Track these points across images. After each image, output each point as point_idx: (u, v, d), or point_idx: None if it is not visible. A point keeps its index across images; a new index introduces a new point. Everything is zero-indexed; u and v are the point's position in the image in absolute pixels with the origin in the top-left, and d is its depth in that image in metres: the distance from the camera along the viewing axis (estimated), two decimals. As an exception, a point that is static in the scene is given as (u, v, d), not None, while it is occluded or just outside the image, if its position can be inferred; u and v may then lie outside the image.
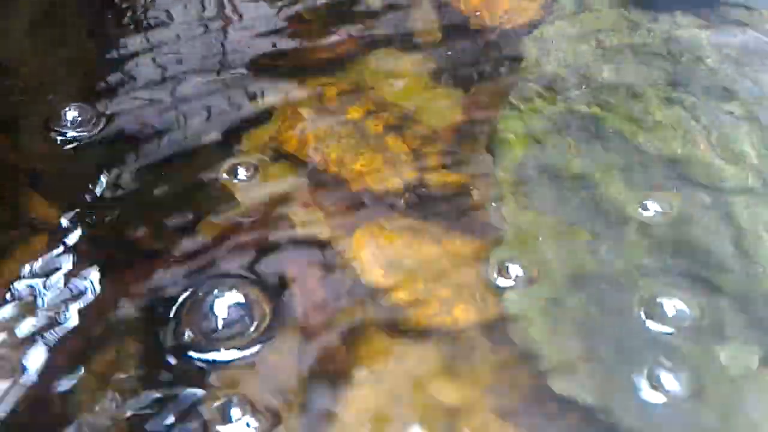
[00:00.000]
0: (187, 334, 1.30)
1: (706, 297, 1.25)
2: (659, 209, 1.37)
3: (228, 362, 1.27)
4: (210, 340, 1.30)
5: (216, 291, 1.35)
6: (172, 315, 1.33)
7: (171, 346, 1.29)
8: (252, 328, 1.31)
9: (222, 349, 1.28)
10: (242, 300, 1.34)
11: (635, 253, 1.33)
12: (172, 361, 1.29)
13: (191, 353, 1.28)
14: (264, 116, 1.69)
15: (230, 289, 1.36)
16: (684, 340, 1.20)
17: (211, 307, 1.33)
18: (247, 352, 1.28)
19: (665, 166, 1.43)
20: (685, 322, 1.22)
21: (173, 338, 1.30)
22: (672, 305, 1.23)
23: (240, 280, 1.39)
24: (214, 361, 1.27)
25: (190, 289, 1.36)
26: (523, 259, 1.34)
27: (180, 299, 1.35)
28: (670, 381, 1.15)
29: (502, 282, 1.32)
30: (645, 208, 1.37)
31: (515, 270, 1.32)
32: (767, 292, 1.24)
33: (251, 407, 1.21)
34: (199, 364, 1.27)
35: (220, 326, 1.31)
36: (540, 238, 1.38)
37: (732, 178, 1.38)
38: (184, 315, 1.32)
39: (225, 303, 1.34)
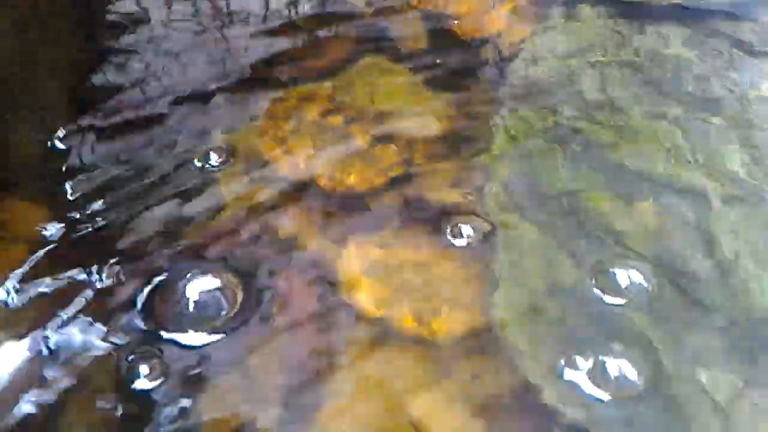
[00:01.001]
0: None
1: (685, 309, 1.25)
2: (642, 222, 1.37)
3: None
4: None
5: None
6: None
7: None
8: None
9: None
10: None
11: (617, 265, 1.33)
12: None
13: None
14: (252, 125, 1.70)
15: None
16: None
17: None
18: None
19: (650, 181, 1.43)
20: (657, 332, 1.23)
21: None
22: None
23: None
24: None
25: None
26: (510, 271, 1.35)
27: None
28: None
29: (486, 293, 1.32)
30: (627, 222, 1.37)
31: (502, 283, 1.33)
32: (746, 307, 1.24)
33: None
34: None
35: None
36: (525, 252, 1.38)
37: (716, 192, 1.38)
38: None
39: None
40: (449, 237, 1.43)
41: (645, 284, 1.30)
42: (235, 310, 1.37)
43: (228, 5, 1.98)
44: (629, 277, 1.31)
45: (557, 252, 1.37)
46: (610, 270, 1.32)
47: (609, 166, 1.47)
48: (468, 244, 1.41)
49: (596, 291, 1.30)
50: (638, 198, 1.41)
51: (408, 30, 1.88)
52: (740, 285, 1.26)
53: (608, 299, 1.29)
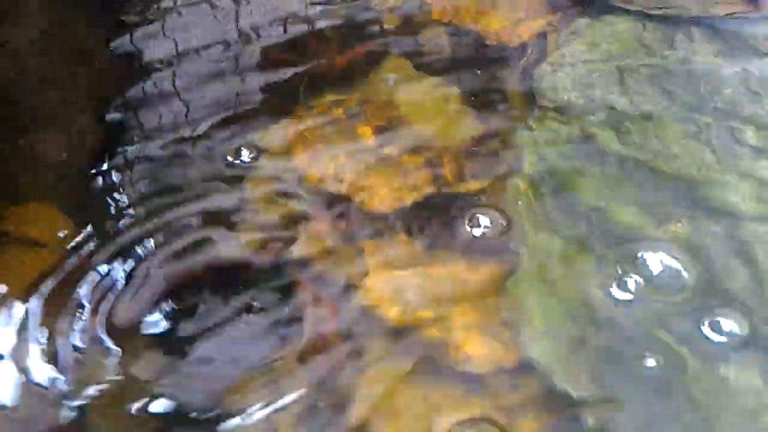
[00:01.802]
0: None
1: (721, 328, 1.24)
2: (673, 238, 1.36)
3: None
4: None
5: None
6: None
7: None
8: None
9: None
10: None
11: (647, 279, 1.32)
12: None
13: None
14: (275, 134, 1.70)
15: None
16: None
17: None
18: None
19: (681, 195, 1.42)
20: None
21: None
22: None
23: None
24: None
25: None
26: (536, 292, 1.34)
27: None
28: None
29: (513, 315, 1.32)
30: (658, 237, 1.36)
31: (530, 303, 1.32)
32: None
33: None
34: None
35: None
36: (553, 267, 1.37)
37: (749, 209, 1.37)
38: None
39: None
40: (477, 252, 1.42)
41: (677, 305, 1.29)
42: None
43: (252, 12, 1.97)
44: (662, 293, 1.31)
45: (588, 268, 1.36)
46: (643, 286, 1.32)
47: (638, 176, 1.46)
48: (496, 259, 1.41)
49: (628, 309, 1.30)
50: (669, 211, 1.39)
51: (434, 39, 1.87)
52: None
53: (640, 316, 1.29)
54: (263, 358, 1.33)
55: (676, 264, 1.33)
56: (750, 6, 1.63)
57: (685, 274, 1.32)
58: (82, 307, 1.42)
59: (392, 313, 1.36)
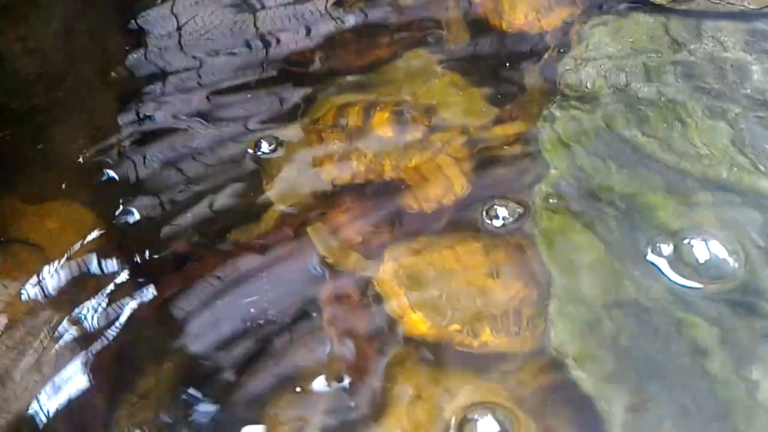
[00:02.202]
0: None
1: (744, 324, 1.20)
2: (702, 227, 1.32)
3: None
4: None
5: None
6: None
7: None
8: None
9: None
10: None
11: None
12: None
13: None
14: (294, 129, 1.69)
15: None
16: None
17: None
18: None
19: (709, 184, 1.38)
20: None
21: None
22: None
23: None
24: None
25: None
26: (561, 283, 1.31)
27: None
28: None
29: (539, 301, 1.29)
30: (686, 234, 1.32)
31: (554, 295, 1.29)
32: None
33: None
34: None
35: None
36: (578, 261, 1.34)
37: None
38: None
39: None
40: (499, 241, 1.40)
41: (710, 295, 1.25)
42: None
43: (271, 11, 1.98)
44: (691, 285, 1.26)
45: (612, 258, 1.33)
46: (670, 276, 1.28)
47: (665, 168, 1.42)
48: (518, 247, 1.38)
49: (656, 299, 1.26)
50: (698, 202, 1.36)
51: (454, 27, 1.86)
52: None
53: (669, 307, 1.24)
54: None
55: (702, 255, 1.29)
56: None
57: (722, 262, 1.28)
58: (102, 303, 1.41)
59: (412, 315, 1.33)
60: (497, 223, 1.42)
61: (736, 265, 1.26)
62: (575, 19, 1.77)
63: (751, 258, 1.27)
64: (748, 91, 1.47)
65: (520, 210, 1.43)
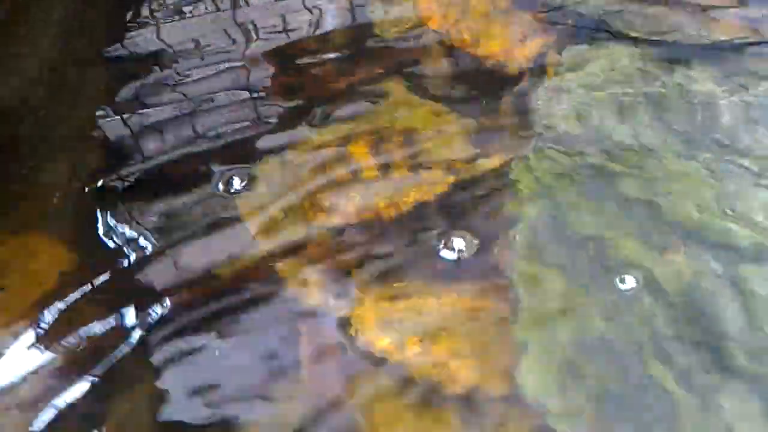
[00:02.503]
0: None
1: (715, 369, 1.23)
2: (670, 273, 1.36)
3: None
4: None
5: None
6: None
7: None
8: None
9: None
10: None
11: (644, 318, 1.32)
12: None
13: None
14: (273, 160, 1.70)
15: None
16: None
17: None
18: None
19: (679, 228, 1.41)
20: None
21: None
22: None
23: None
24: None
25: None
26: (535, 330, 1.34)
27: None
28: None
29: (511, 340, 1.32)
30: (656, 271, 1.36)
31: (527, 335, 1.32)
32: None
33: None
34: None
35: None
36: (552, 302, 1.37)
37: (746, 244, 1.36)
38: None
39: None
40: (469, 280, 1.42)
41: (674, 341, 1.29)
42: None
43: (254, 30, 1.98)
44: (656, 331, 1.30)
45: (583, 300, 1.36)
46: (636, 324, 1.31)
47: (637, 210, 1.45)
48: (490, 286, 1.41)
49: (623, 344, 1.30)
50: (668, 246, 1.39)
51: (433, 59, 1.87)
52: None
53: (633, 352, 1.28)
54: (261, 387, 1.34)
55: (673, 298, 1.33)
56: (750, 31, 1.62)
57: (681, 308, 1.32)
58: (83, 338, 1.43)
59: (384, 344, 1.36)
60: (451, 255, 1.45)
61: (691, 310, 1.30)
62: (550, 48, 1.78)
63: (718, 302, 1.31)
64: (717, 134, 1.50)
65: (477, 243, 1.46)
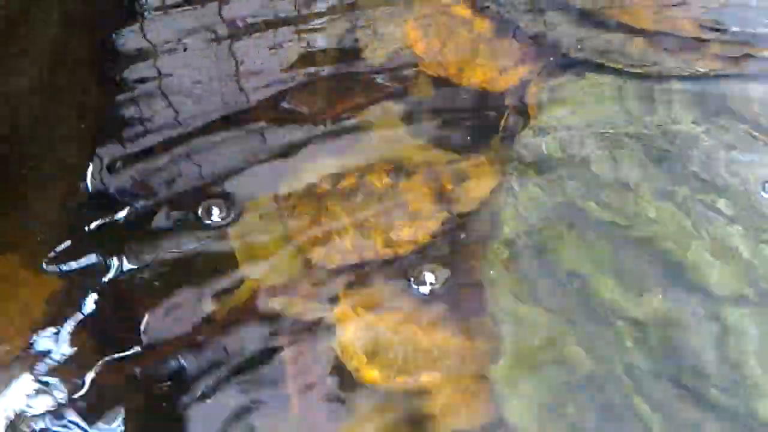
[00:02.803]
0: None
1: (692, 408, 1.27)
2: (650, 311, 1.39)
3: None
4: None
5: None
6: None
7: None
8: None
9: None
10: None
11: (625, 357, 1.35)
12: None
13: None
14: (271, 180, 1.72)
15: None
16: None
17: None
18: None
19: (657, 266, 1.44)
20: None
21: None
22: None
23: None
24: None
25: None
26: (517, 363, 1.37)
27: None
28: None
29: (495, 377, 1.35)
30: (636, 310, 1.39)
31: (510, 372, 1.35)
32: (752, 407, 1.26)
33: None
34: None
35: None
36: (533, 335, 1.40)
37: (723, 283, 1.39)
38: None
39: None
40: (453, 316, 1.45)
41: (652, 379, 1.32)
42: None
43: (242, 61, 1.99)
44: (636, 370, 1.33)
45: (566, 337, 1.39)
46: (618, 361, 1.35)
47: (618, 249, 1.48)
48: (474, 322, 1.44)
49: (604, 382, 1.33)
50: (647, 286, 1.42)
51: (419, 88, 1.89)
52: (749, 387, 1.28)
53: (613, 391, 1.31)
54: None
55: (651, 340, 1.36)
56: (727, 64, 1.66)
57: (659, 349, 1.35)
58: (67, 363, 1.44)
59: (369, 373, 1.39)
60: (425, 289, 1.48)
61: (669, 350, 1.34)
62: (534, 79, 1.80)
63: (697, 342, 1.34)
64: (697, 169, 1.53)
65: (447, 274, 1.49)
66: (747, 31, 1.62)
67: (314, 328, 1.46)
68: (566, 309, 1.42)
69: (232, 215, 1.65)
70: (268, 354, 1.44)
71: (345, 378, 1.39)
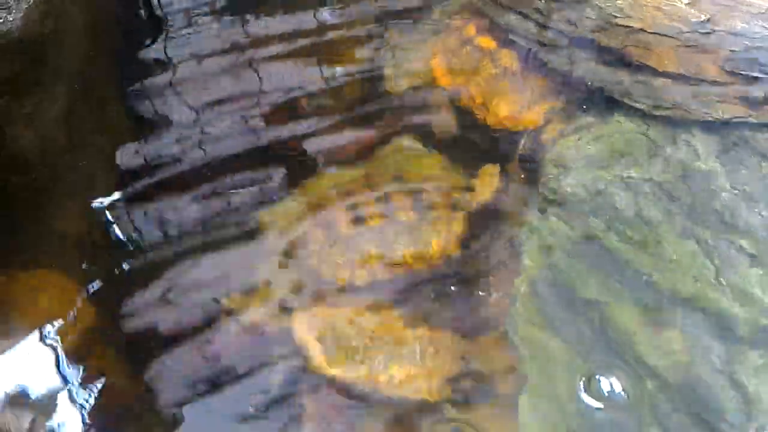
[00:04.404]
0: None
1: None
2: (669, 349, 1.40)
3: None
4: None
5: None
6: None
7: None
8: None
9: None
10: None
11: (645, 393, 1.36)
12: None
13: None
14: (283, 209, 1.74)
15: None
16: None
17: None
18: None
19: (677, 305, 1.46)
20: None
21: None
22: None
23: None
24: None
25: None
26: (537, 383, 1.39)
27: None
28: None
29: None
30: (655, 348, 1.40)
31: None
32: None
33: None
34: None
35: None
36: (552, 365, 1.42)
37: (743, 323, 1.40)
38: None
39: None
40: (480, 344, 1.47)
41: (670, 413, 1.33)
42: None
43: (263, 86, 2.02)
44: (653, 404, 1.34)
45: (583, 369, 1.41)
46: (634, 395, 1.36)
47: (639, 286, 1.50)
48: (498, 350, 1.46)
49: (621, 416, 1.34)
50: (666, 323, 1.43)
51: (443, 119, 1.92)
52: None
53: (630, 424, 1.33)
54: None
55: (670, 377, 1.37)
56: (751, 110, 1.67)
57: (678, 386, 1.36)
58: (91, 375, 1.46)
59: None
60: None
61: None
62: (557, 115, 1.83)
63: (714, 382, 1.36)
64: (719, 209, 1.55)
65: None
66: (769, 76, 1.64)
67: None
68: (584, 340, 1.43)
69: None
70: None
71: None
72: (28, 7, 1.60)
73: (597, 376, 1.41)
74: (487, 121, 1.86)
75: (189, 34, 2.12)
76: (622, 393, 1.39)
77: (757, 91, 1.65)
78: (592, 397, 1.39)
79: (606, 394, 1.39)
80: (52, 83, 1.73)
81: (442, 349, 1.49)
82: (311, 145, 1.88)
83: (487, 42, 2.01)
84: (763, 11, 1.72)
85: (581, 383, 1.40)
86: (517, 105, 1.87)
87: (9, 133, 1.65)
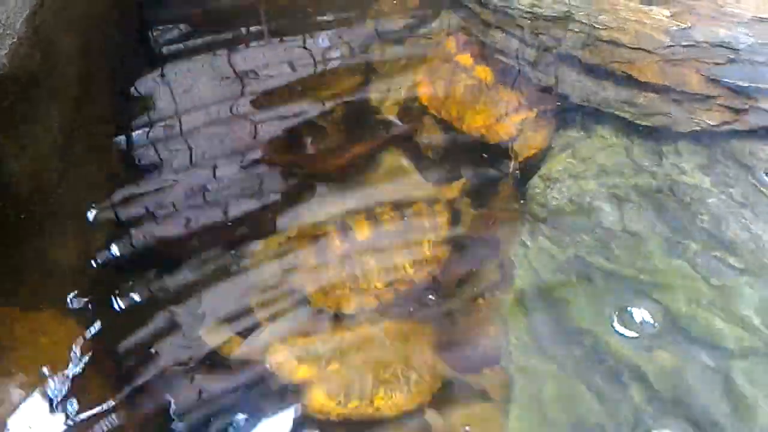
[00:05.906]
0: None
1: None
2: (658, 364, 1.41)
3: None
4: None
5: None
6: None
7: None
8: None
9: None
10: None
11: (636, 405, 1.37)
12: None
13: None
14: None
15: None
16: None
17: None
18: None
19: (668, 322, 1.46)
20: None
21: None
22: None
23: None
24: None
25: None
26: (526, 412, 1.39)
27: None
28: None
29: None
30: (648, 363, 1.41)
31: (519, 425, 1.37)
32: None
33: None
34: None
35: None
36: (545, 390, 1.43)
37: (732, 338, 1.41)
38: None
39: None
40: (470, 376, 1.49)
41: (661, 429, 1.34)
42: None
43: (257, 104, 2.04)
44: (645, 420, 1.35)
45: (577, 392, 1.41)
46: (627, 412, 1.37)
47: (626, 302, 1.50)
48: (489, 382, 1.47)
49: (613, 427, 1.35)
50: (657, 341, 1.44)
51: (430, 139, 1.93)
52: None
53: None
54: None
55: (661, 392, 1.38)
56: (734, 115, 1.67)
57: (669, 401, 1.37)
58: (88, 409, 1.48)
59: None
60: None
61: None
62: (539, 127, 1.83)
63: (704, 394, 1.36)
64: (705, 225, 1.55)
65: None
66: (754, 86, 1.64)
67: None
68: (576, 361, 1.44)
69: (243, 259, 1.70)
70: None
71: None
72: (12, 43, 1.61)
73: (586, 394, 1.41)
74: (465, 135, 1.87)
75: (183, 62, 2.14)
76: (612, 410, 1.39)
77: (739, 100, 1.66)
78: (581, 413, 1.40)
79: (595, 412, 1.39)
80: (45, 114, 1.73)
81: (431, 370, 1.50)
82: (300, 161, 1.90)
83: (465, 59, 2.01)
84: (746, 21, 1.72)
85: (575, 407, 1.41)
86: (492, 117, 1.88)
87: (3, 169, 1.66)
